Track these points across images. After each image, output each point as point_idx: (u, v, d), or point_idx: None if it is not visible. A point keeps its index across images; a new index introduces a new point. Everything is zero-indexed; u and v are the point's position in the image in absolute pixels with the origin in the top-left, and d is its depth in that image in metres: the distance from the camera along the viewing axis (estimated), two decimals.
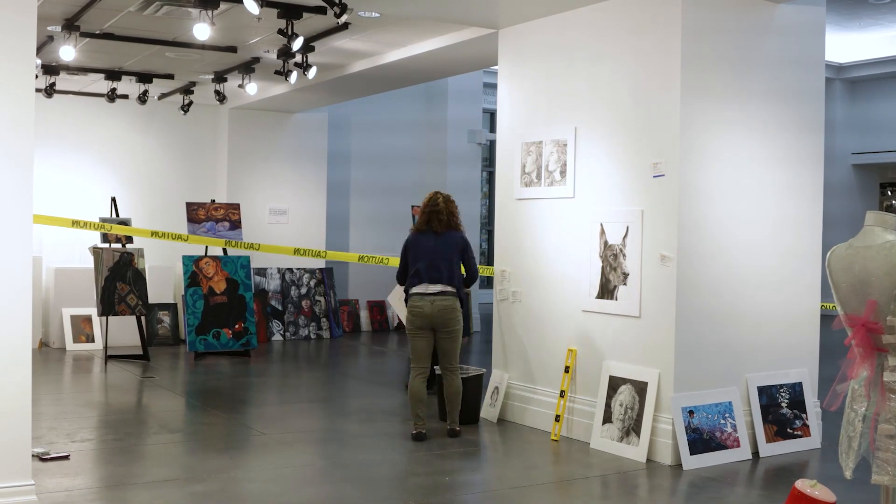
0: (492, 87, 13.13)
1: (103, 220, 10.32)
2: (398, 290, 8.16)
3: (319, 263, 13.13)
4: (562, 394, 6.75)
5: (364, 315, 13.76)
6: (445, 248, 6.73)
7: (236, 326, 10.83)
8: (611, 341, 6.55)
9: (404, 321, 7.06)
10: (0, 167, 4.52)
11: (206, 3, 7.12)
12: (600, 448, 6.44)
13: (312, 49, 8.52)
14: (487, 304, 13.74)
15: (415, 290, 6.69)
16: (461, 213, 7.04)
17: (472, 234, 14.45)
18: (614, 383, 6.47)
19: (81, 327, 11.15)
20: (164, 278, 11.90)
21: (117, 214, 10.64)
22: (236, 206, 11.53)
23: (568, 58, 6.99)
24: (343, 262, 13.40)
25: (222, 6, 7.34)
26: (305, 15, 7.53)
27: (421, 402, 6.67)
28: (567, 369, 6.79)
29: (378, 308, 13.81)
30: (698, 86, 6.16)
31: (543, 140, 7.15)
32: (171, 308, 11.84)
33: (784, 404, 6.53)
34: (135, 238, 10.51)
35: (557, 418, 6.75)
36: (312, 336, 12.63)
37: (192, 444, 6.71)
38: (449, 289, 6.65)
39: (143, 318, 10.43)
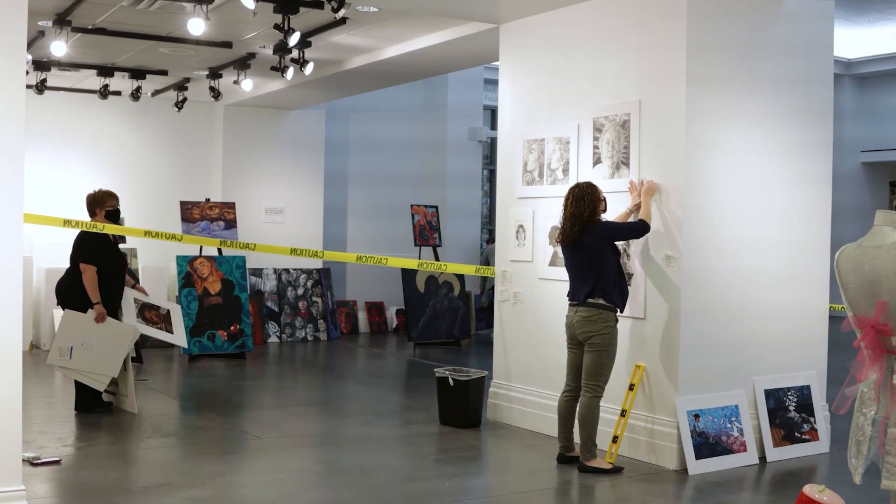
0: (492, 83, 13.02)
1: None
2: None
3: (316, 264, 13.01)
4: (623, 413, 6.13)
5: (362, 316, 13.65)
6: (577, 262, 5.95)
7: (231, 328, 10.71)
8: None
9: None
10: None
11: None
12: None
13: (309, 44, 8.44)
14: None
15: None
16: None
17: (472, 234, 14.35)
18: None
19: None
20: (157, 279, 11.78)
21: None
22: (231, 205, 11.43)
23: (570, 53, 6.89)
24: (341, 263, 13.28)
25: (217, 0, 7.25)
26: (302, 9, 7.45)
27: (564, 421, 6.08)
28: (632, 387, 6.14)
29: (376, 309, 13.70)
30: (703, 82, 6.06)
31: (545, 137, 7.04)
32: None
33: (792, 408, 6.42)
34: (128, 238, 10.39)
35: (615, 439, 6.06)
36: (309, 338, 12.51)
37: (187, 448, 6.62)
38: (590, 301, 5.92)
39: None
